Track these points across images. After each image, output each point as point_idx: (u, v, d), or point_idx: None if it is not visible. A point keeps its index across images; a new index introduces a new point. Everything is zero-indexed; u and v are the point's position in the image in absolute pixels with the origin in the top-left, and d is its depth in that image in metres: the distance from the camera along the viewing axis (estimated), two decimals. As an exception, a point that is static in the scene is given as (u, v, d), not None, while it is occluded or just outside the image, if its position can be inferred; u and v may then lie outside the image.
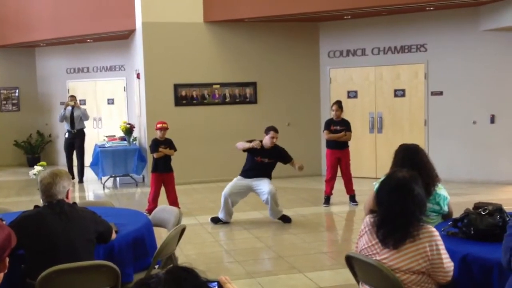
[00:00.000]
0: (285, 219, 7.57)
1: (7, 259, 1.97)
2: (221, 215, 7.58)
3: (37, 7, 12.80)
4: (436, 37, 10.34)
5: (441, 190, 3.96)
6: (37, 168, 7.18)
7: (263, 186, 7.39)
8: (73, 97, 11.81)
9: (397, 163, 3.90)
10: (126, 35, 12.53)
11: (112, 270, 3.39)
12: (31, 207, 3.70)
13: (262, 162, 7.45)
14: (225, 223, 7.56)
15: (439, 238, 2.99)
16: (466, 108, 10.20)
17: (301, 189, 10.12)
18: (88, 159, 11.54)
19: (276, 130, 7.51)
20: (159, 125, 8.08)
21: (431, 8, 9.98)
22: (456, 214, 3.77)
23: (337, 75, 11.37)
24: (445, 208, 3.94)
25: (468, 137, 10.23)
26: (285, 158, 7.61)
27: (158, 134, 8.07)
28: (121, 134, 11.50)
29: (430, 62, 10.42)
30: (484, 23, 9.83)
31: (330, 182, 8.63)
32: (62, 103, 14.13)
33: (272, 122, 9.43)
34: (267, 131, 7.53)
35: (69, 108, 11.54)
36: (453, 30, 10.21)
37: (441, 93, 10.37)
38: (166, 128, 8.10)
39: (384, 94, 10.87)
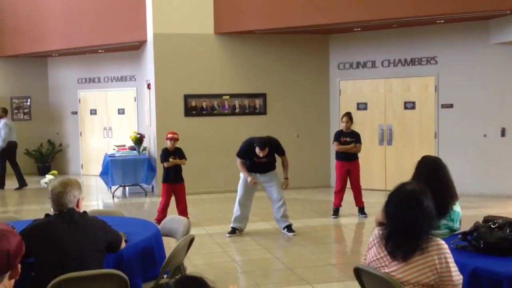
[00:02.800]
0: (289, 229, 7.57)
1: (19, 266, 2.00)
2: (235, 224, 7.57)
3: (49, 18, 12.94)
4: (446, 50, 10.34)
5: (457, 207, 3.91)
6: (48, 177, 7.21)
7: (274, 191, 7.44)
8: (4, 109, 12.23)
9: (421, 176, 3.82)
10: (137, 46, 12.63)
11: (121, 279, 3.40)
12: (42, 216, 3.73)
13: (260, 162, 7.39)
14: (240, 232, 7.57)
15: (448, 250, 2.98)
16: (477, 121, 10.17)
17: (310, 201, 10.11)
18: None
19: (261, 147, 7.09)
20: (169, 135, 8.13)
21: (441, 21, 9.99)
22: (466, 228, 3.76)
23: (347, 87, 11.38)
24: (457, 225, 3.89)
25: (479, 150, 10.19)
26: (279, 151, 7.48)
27: (168, 144, 8.12)
28: (131, 144, 11.57)
29: (440, 75, 10.41)
30: (494, 36, 9.83)
31: (339, 193, 8.63)
32: (73, 113, 14.28)
33: (281, 133, 9.47)
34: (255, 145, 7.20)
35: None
36: (463, 43, 10.21)
37: (451, 105, 10.35)
38: (177, 139, 8.12)
39: (394, 107, 10.86)
